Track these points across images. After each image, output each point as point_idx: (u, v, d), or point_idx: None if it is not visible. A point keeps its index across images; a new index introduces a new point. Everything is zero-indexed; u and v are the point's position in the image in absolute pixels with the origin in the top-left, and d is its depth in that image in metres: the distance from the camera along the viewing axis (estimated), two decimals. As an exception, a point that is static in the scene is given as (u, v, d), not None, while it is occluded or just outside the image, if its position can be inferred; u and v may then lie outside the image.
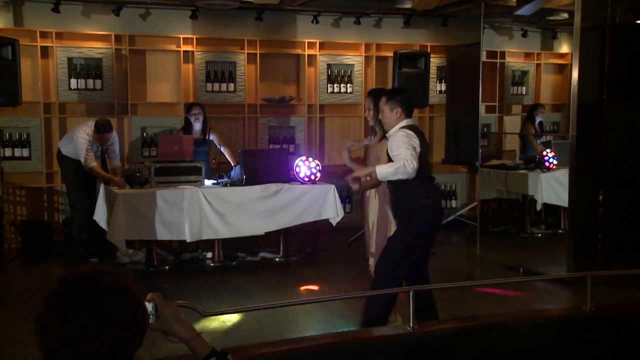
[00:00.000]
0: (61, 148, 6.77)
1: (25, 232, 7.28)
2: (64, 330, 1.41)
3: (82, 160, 6.51)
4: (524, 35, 8.98)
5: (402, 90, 4.52)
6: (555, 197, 7.11)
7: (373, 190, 4.74)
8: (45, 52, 7.53)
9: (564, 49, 9.09)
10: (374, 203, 4.77)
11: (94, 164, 6.51)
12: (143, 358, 1.64)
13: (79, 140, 6.53)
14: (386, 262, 4.17)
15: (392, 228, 4.43)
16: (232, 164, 7.03)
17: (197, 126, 6.99)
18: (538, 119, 8.05)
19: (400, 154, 4.01)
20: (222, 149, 7.14)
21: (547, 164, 7.16)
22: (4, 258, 6.67)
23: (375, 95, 4.72)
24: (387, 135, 4.31)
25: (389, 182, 4.22)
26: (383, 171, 4.03)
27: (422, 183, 4.14)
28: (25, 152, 7.49)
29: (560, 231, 7.62)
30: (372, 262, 4.73)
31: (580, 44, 5.85)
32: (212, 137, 7.09)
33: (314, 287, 6.00)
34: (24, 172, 7.49)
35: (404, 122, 4.23)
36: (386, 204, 4.50)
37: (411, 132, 4.12)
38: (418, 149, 4.08)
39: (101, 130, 6.60)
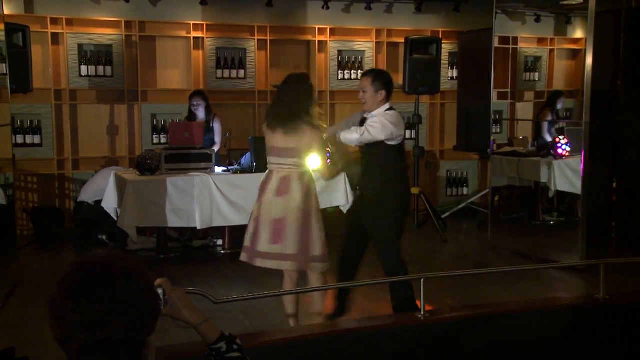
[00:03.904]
0: None
1: (37, 219, 7.31)
2: (78, 316, 1.41)
3: None
4: (537, 20, 8.87)
5: (387, 73, 4.39)
6: (568, 185, 7.03)
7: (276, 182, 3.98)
8: (55, 38, 7.53)
9: (578, 34, 8.98)
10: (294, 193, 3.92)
11: None
12: (154, 344, 1.63)
13: None
14: (389, 253, 4.23)
15: (314, 223, 3.93)
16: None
17: (200, 115, 6.96)
18: (558, 106, 7.95)
19: (373, 126, 4.06)
20: (216, 144, 6.90)
21: (560, 151, 7.08)
22: (16, 245, 6.69)
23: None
24: (368, 115, 4.24)
25: (365, 169, 4.24)
26: (349, 136, 4.10)
27: (397, 170, 4.24)
28: (36, 139, 7.52)
29: (573, 219, 7.56)
30: (245, 257, 4.09)
31: (595, 29, 5.76)
32: (215, 124, 6.98)
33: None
34: (35, 158, 7.52)
35: (388, 105, 4.22)
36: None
37: (399, 118, 4.17)
38: (398, 138, 4.15)
39: None
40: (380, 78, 4.23)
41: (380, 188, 4.21)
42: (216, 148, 6.84)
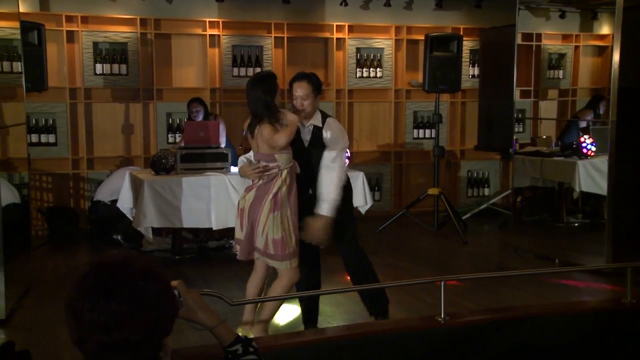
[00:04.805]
0: None
1: (51, 219, 7.29)
2: (96, 316, 1.40)
3: None
4: (562, 16, 8.68)
5: (316, 75, 4.11)
6: (593, 185, 6.89)
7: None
8: (70, 36, 7.51)
9: (605, 30, 8.79)
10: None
11: None
12: (170, 346, 1.61)
13: None
14: (353, 251, 4.30)
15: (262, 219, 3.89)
16: None
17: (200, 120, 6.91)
18: (601, 110, 7.76)
19: (339, 151, 3.95)
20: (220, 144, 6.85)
21: (584, 150, 6.93)
22: (31, 245, 6.66)
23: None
24: (308, 124, 4.01)
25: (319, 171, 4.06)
26: (336, 191, 3.96)
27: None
28: (51, 138, 7.50)
29: (598, 220, 7.39)
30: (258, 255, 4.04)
31: (623, 25, 5.66)
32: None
33: (342, 277, 5.86)
34: (50, 158, 7.51)
35: (319, 111, 4.05)
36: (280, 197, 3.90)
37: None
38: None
39: None
40: (315, 82, 3.99)
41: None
42: None
